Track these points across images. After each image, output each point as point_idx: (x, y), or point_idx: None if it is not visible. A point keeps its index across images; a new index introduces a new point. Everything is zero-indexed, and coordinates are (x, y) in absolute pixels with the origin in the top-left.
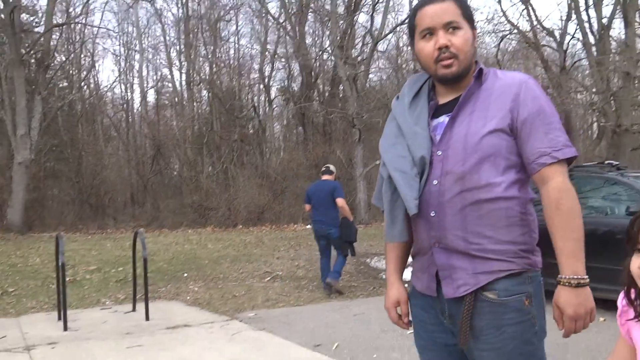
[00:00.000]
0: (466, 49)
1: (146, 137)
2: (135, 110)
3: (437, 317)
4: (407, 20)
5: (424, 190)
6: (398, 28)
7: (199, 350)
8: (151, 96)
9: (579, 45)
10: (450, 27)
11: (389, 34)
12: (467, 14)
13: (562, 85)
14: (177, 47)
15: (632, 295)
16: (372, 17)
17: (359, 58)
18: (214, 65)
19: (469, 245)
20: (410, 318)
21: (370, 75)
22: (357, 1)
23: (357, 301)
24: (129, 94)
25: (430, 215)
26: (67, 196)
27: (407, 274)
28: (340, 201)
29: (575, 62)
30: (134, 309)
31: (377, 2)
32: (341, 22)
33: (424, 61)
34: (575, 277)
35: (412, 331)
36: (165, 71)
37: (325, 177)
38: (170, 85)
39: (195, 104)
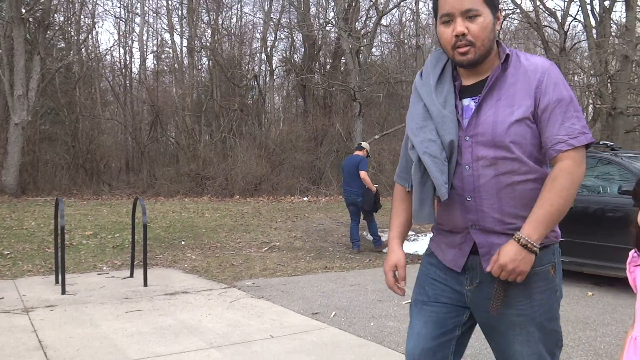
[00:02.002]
0: (483, 36)
1: (144, 103)
2: (133, 75)
3: (452, 279)
4: None
5: (458, 176)
6: (402, 3)
7: (199, 316)
8: (150, 61)
9: (580, 27)
10: (469, 15)
11: (393, 8)
12: None
13: (561, 67)
14: (179, 12)
15: None
16: None
17: (362, 31)
18: (216, 33)
19: (506, 226)
20: (404, 286)
21: (372, 49)
22: None
23: (353, 272)
24: (127, 58)
25: (467, 200)
26: (62, 160)
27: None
28: (362, 173)
29: (575, 44)
30: (131, 275)
31: None
32: None
33: (443, 45)
34: (526, 238)
35: (409, 300)
36: (166, 36)
37: (356, 152)
38: (170, 51)
39: (195, 71)
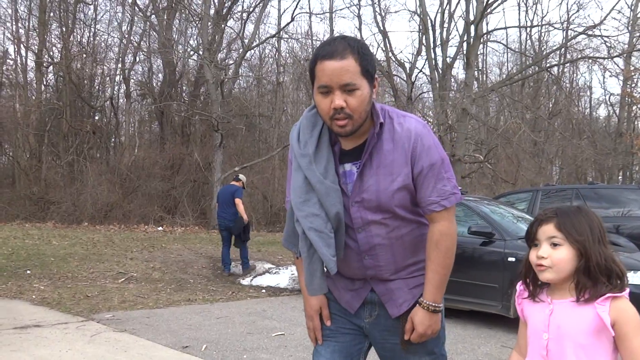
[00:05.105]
0: (361, 109)
1: None
2: None
3: (351, 314)
4: (276, 35)
5: (353, 239)
6: (265, 42)
7: (58, 352)
8: None
9: (424, 79)
10: (347, 88)
11: (261, 43)
12: (367, 70)
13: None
14: (27, 23)
15: (528, 280)
16: (243, 23)
17: (223, 63)
18: (70, 48)
19: (400, 274)
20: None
21: (237, 82)
22: (229, 7)
23: (218, 305)
24: None
25: (364, 259)
26: None
27: (263, 280)
28: (237, 200)
29: (420, 94)
30: None
31: (250, 12)
32: (211, 25)
33: (321, 114)
34: (434, 304)
35: (279, 333)
36: (10, 47)
37: (233, 182)
38: (12, 62)
39: (43, 87)
